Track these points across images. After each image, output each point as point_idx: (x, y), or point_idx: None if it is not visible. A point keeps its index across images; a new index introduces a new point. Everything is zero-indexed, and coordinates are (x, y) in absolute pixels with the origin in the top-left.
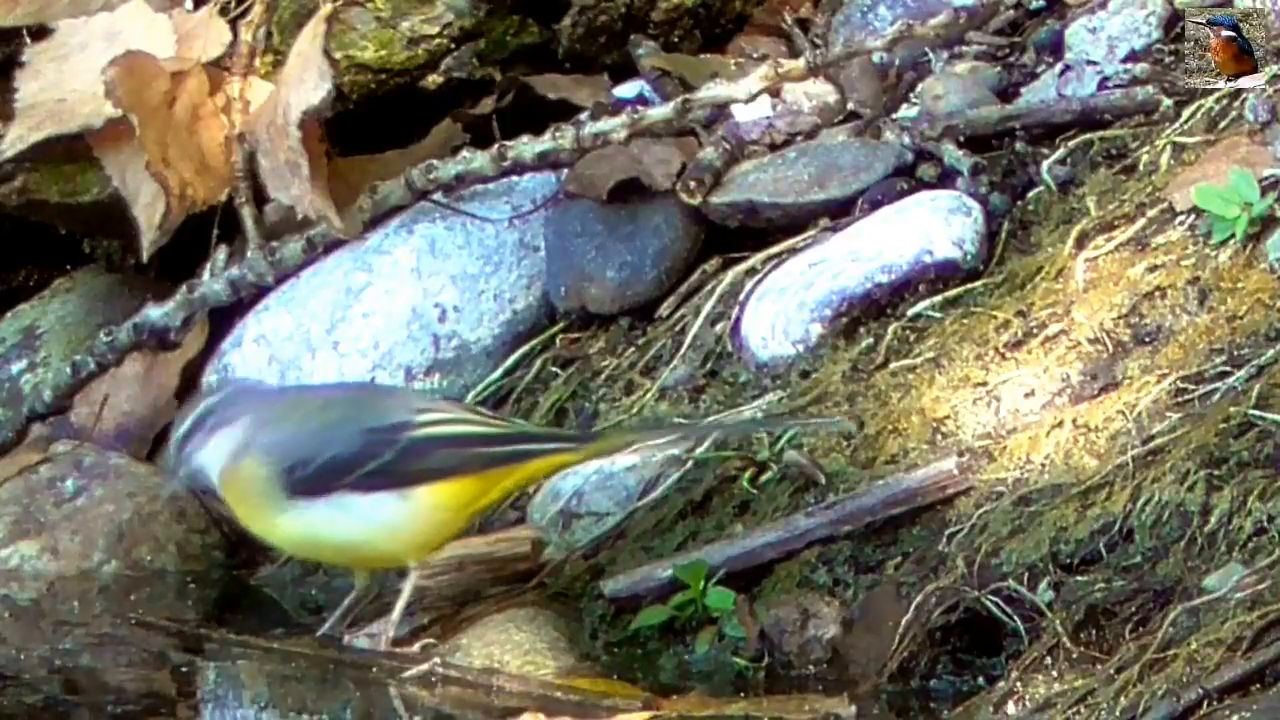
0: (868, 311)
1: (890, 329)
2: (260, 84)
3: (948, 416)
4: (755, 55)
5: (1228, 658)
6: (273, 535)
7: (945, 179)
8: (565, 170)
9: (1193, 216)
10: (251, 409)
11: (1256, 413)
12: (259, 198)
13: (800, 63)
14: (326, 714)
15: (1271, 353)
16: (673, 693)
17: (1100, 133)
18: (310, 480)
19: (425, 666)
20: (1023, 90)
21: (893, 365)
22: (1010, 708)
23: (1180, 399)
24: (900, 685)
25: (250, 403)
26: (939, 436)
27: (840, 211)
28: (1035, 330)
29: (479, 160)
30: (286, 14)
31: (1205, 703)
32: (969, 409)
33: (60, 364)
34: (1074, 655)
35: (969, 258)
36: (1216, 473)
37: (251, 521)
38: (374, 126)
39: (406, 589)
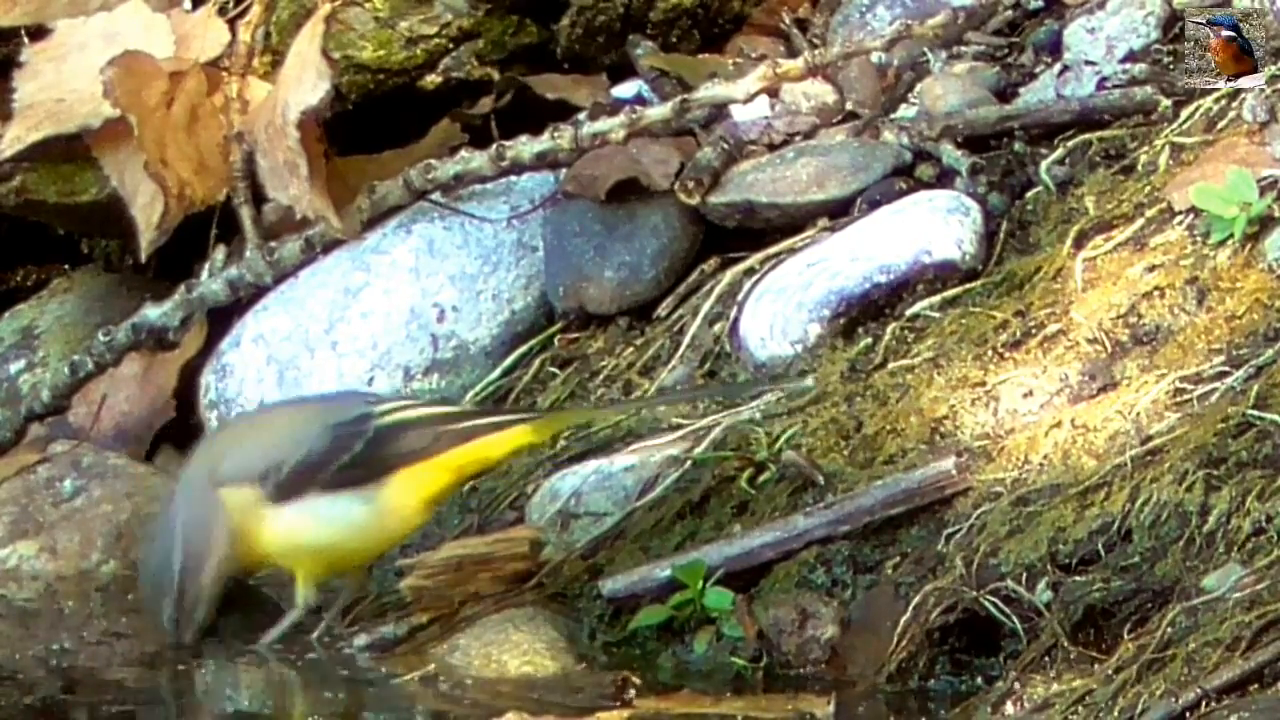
0: (866, 312)
1: (889, 329)
2: (258, 84)
3: (946, 417)
4: (753, 55)
5: (1226, 658)
6: (270, 549)
7: (944, 179)
8: (564, 170)
9: (1191, 216)
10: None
11: (1255, 413)
12: (257, 198)
13: (799, 63)
14: (321, 715)
15: (1270, 353)
16: (670, 692)
17: (1099, 133)
18: (285, 485)
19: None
20: (1021, 90)
21: (891, 365)
22: (1008, 708)
23: (1179, 399)
24: (898, 685)
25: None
26: (937, 437)
27: (839, 211)
28: (1034, 330)
29: (477, 160)
30: (285, 14)
31: (1203, 703)
32: (967, 409)
33: (58, 364)
34: (1072, 655)
35: (967, 258)
36: (1215, 473)
37: (268, 548)
38: (372, 126)
39: (344, 594)
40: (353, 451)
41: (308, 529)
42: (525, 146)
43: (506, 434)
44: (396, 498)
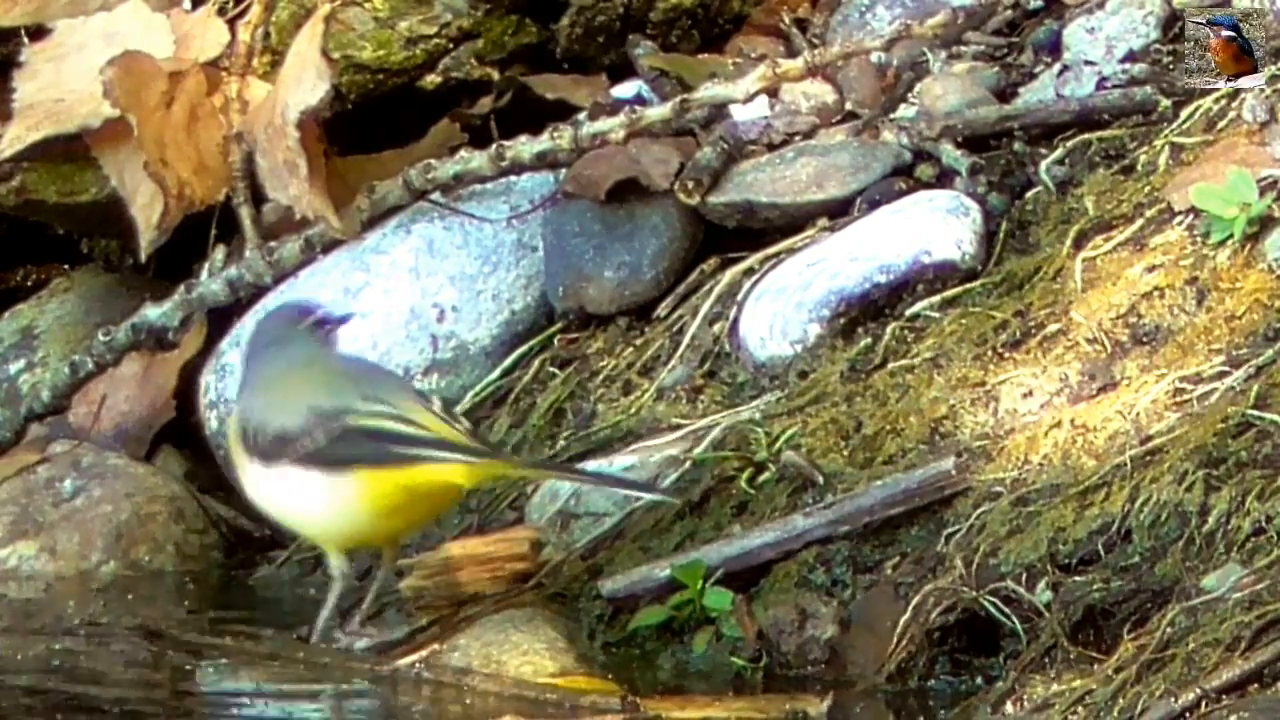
0: (866, 312)
1: (888, 329)
2: (258, 84)
3: (946, 417)
4: (753, 55)
5: (1225, 658)
6: (246, 492)
7: (943, 179)
8: (563, 170)
9: (1191, 216)
10: (257, 364)
11: (1255, 413)
12: (257, 197)
13: (798, 63)
14: (317, 715)
15: (1270, 353)
16: (669, 693)
17: (1098, 133)
18: (263, 449)
19: (407, 661)
20: (1021, 90)
21: (891, 365)
22: (1008, 708)
23: (1178, 399)
24: (898, 685)
25: (264, 355)
26: (937, 437)
27: (838, 211)
28: (1033, 330)
29: (477, 160)
30: (284, 14)
31: (1203, 703)
32: (967, 409)
33: (58, 364)
34: (1072, 655)
35: (967, 258)
36: (1215, 473)
37: (238, 472)
38: (372, 126)
39: (335, 587)
40: (316, 441)
41: (279, 495)
42: (525, 146)
43: (440, 468)
44: (350, 497)
